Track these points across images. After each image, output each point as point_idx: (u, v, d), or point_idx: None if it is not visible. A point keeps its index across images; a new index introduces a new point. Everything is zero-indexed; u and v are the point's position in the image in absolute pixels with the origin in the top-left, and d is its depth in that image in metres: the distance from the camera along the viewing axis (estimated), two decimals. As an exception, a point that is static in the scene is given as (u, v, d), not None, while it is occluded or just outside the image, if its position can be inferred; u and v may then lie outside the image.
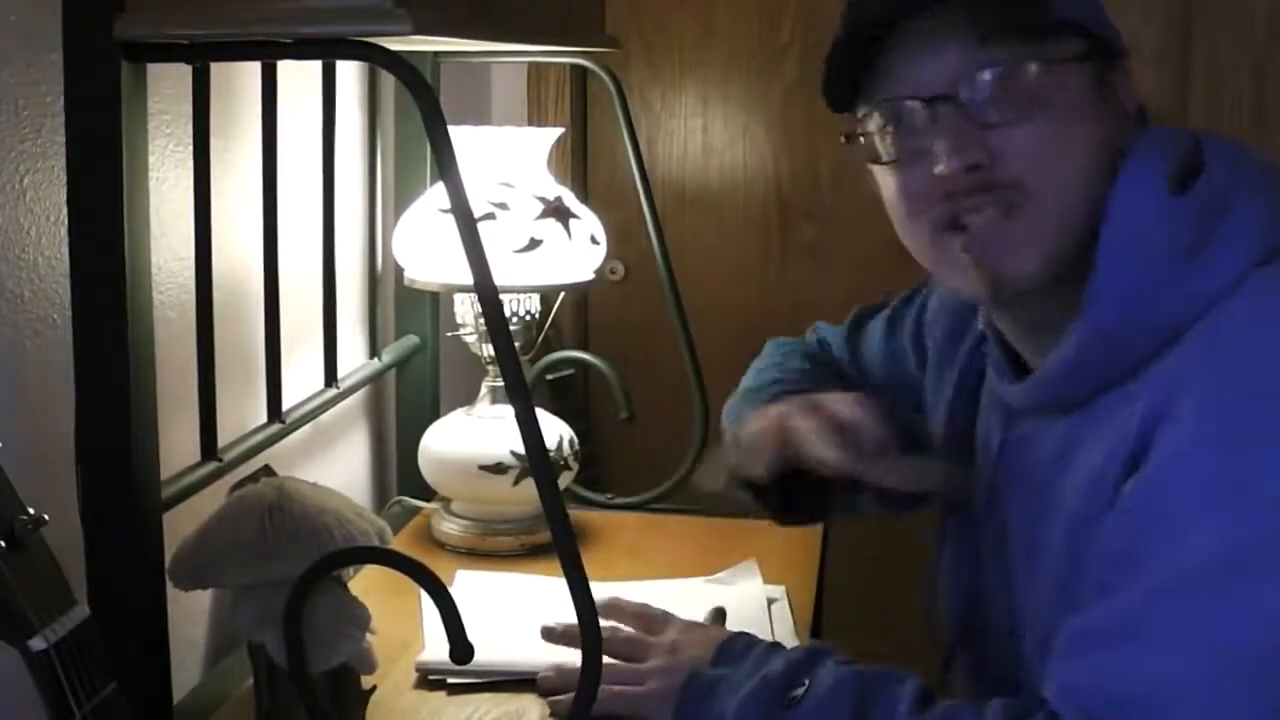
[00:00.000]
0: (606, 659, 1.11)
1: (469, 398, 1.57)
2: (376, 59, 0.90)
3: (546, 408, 1.62)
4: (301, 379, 1.43)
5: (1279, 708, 0.81)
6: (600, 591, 0.93)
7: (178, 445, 1.14)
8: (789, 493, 1.16)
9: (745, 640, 1.12)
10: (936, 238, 0.98)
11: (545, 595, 1.34)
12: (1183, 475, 0.85)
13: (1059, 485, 0.96)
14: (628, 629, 1.20)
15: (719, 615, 1.27)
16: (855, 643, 1.08)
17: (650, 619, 1.21)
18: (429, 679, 1.17)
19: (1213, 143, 0.97)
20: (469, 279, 0.90)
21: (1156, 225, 0.92)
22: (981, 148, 0.94)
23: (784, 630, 1.29)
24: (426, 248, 1.47)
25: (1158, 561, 0.84)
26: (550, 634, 1.19)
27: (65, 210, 0.94)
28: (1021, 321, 1.03)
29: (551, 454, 1.51)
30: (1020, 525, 1.03)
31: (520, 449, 1.45)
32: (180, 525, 1.04)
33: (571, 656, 1.08)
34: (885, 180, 1.01)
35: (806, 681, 1.01)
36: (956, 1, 0.93)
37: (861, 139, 1.00)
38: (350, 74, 1.57)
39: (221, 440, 1.19)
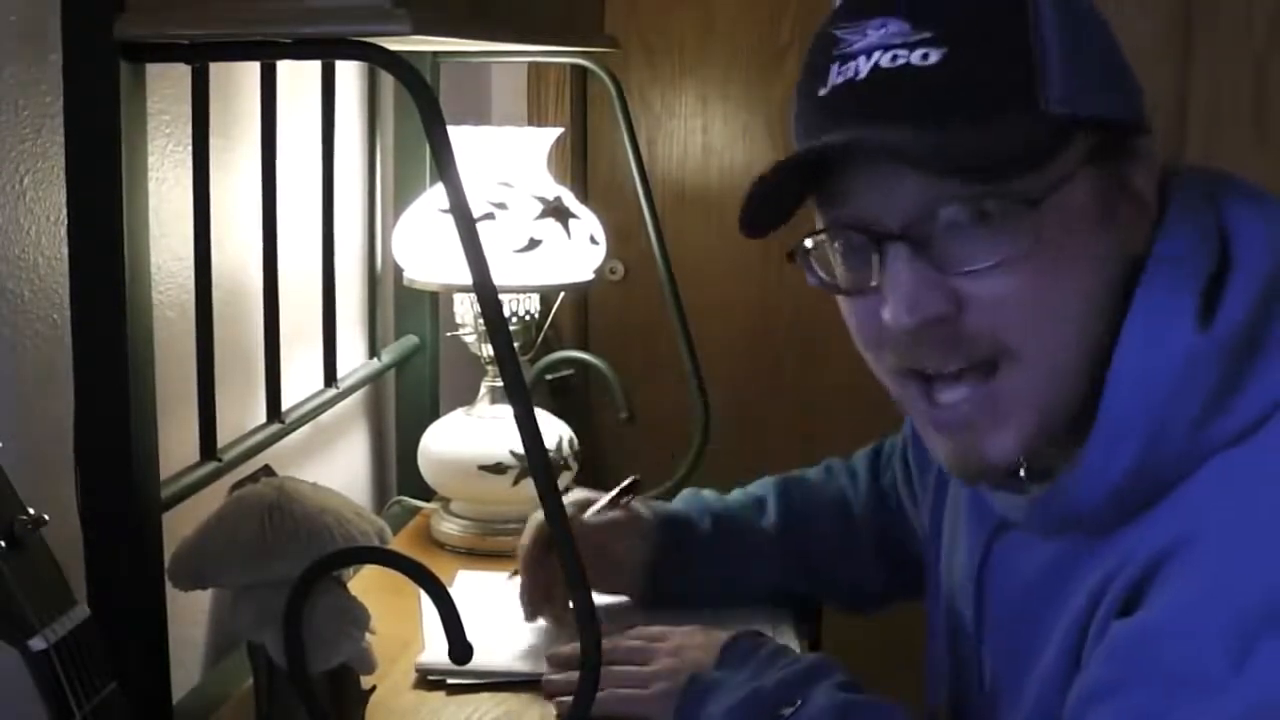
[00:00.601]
0: (613, 666, 1.13)
1: (469, 398, 1.57)
2: (376, 59, 0.90)
3: (546, 408, 1.62)
4: (301, 379, 1.43)
5: None
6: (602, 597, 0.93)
7: (178, 445, 1.14)
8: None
9: (749, 642, 1.11)
10: (900, 383, 0.85)
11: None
12: (1168, 637, 0.73)
13: (1049, 615, 0.85)
14: (631, 639, 1.19)
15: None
16: (855, 642, 1.07)
17: (651, 635, 1.20)
18: (429, 680, 1.17)
19: (1239, 225, 0.80)
20: (468, 279, 0.90)
21: (1179, 374, 0.77)
22: (945, 297, 0.78)
23: (785, 635, 1.28)
24: (426, 248, 1.47)
25: (1137, 713, 0.73)
26: (556, 659, 1.18)
27: (65, 210, 0.94)
28: None
29: (551, 454, 1.51)
30: (1006, 654, 0.93)
31: (520, 449, 1.45)
32: (180, 525, 1.04)
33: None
34: (841, 304, 0.87)
35: (799, 701, 1.00)
36: (922, 139, 0.75)
37: (807, 262, 0.86)
38: (350, 74, 1.57)
39: (221, 440, 1.19)
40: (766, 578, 1.29)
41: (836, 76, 0.79)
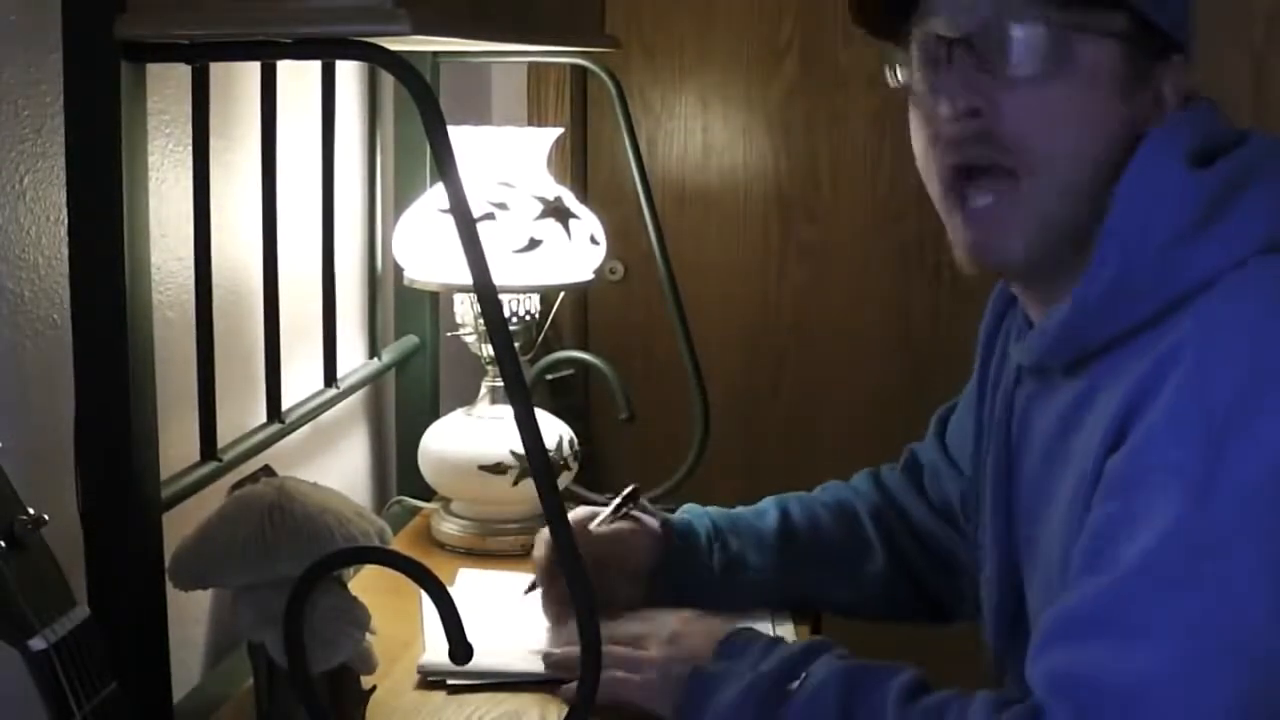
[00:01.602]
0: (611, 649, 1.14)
1: (469, 398, 1.57)
2: (376, 59, 0.90)
3: (546, 408, 1.62)
4: (301, 379, 1.43)
5: (1257, 689, 0.81)
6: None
7: (178, 445, 1.14)
8: None
9: (747, 635, 1.13)
10: (945, 190, 1.00)
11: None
12: (1156, 457, 0.86)
13: (1060, 454, 0.97)
14: (629, 626, 1.20)
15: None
16: (856, 643, 1.07)
17: (646, 619, 1.21)
18: (429, 680, 1.17)
19: (1260, 134, 0.96)
20: (469, 279, 0.90)
21: (1166, 196, 0.91)
22: (983, 96, 0.95)
23: (784, 629, 1.28)
24: (426, 248, 1.47)
25: (1129, 546, 0.85)
26: (551, 660, 1.19)
27: (65, 210, 0.94)
28: (1032, 287, 1.04)
29: (551, 454, 1.51)
30: (1032, 489, 1.03)
31: (520, 449, 1.45)
32: (180, 525, 1.04)
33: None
34: (911, 113, 1.03)
35: (803, 675, 1.02)
36: None
37: (895, 66, 1.02)
38: (350, 74, 1.57)
39: (221, 440, 1.19)
40: (771, 578, 1.29)
41: None
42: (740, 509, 1.35)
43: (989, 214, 0.97)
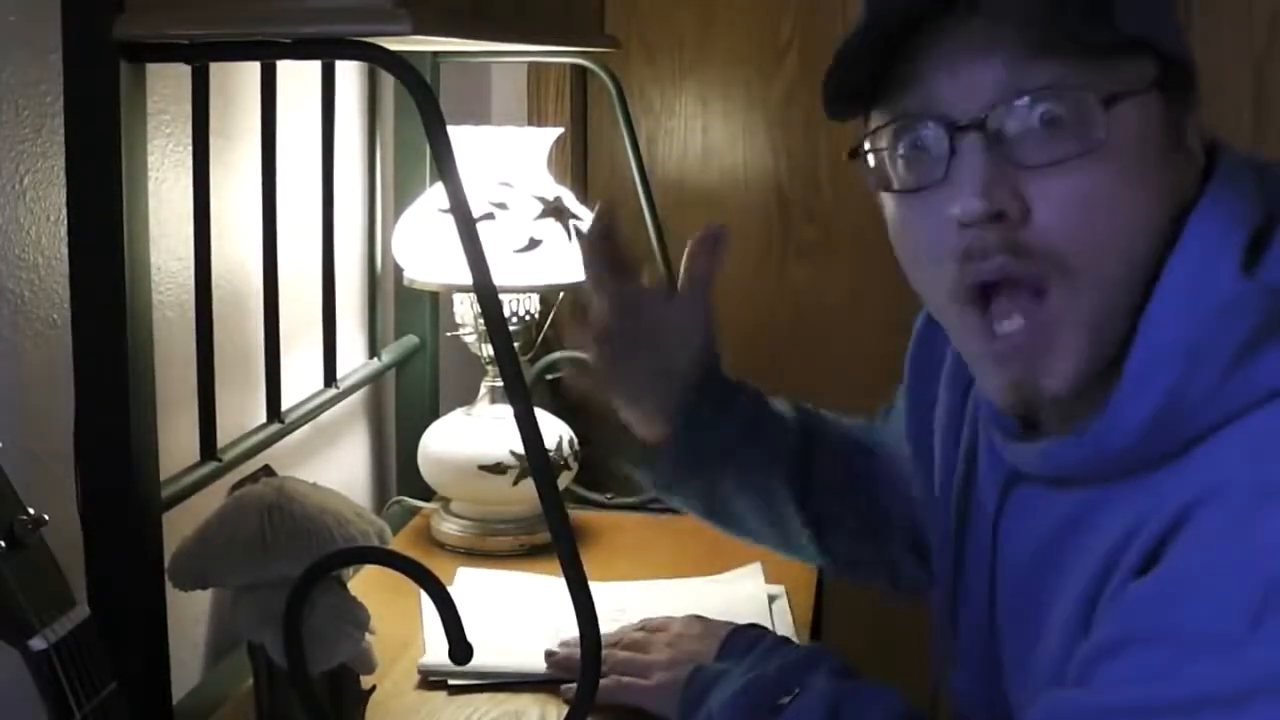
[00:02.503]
0: (615, 651, 1.14)
1: (469, 398, 1.57)
2: (376, 59, 0.90)
3: (546, 408, 1.62)
4: (301, 379, 1.43)
5: None
6: (600, 592, 0.93)
7: (178, 445, 1.14)
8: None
9: (751, 634, 1.12)
10: (959, 310, 0.83)
11: (545, 594, 1.35)
12: (1188, 594, 0.72)
13: (1065, 563, 0.84)
14: (631, 631, 1.21)
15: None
16: (856, 641, 1.08)
17: (651, 626, 1.21)
18: (430, 680, 1.18)
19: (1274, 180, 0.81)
20: (468, 279, 0.90)
21: (1221, 308, 0.76)
22: (1012, 194, 0.77)
23: (784, 628, 1.29)
24: (426, 248, 1.47)
25: (1138, 673, 0.73)
26: (552, 659, 1.19)
27: (65, 210, 0.94)
28: None
29: (551, 454, 1.51)
30: (1017, 602, 0.92)
31: (520, 449, 1.45)
32: (180, 525, 1.04)
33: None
34: (893, 210, 0.85)
35: (796, 689, 1.01)
36: (1001, 4, 0.76)
37: (869, 156, 0.84)
38: (350, 74, 1.57)
39: (221, 440, 1.19)
40: (791, 447, 1.16)
41: None
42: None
43: (1027, 341, 0.80)
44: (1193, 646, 0.71)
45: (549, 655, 1.18)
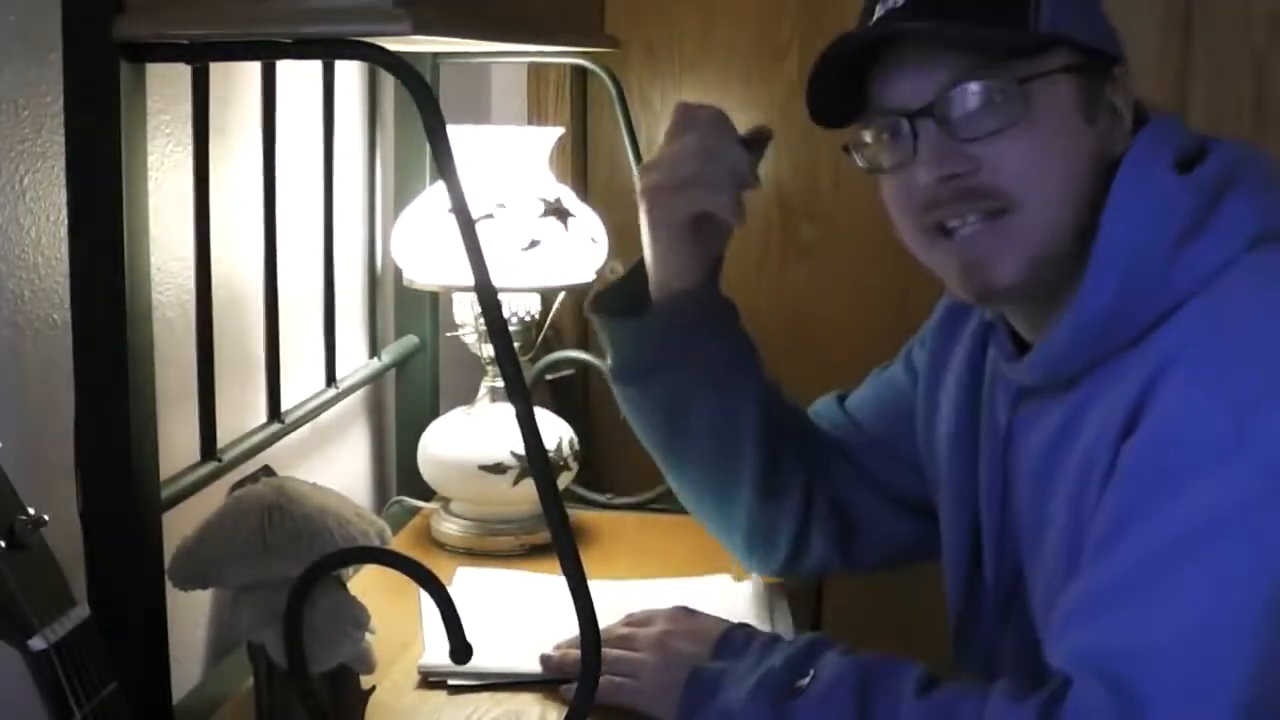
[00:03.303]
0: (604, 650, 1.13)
1: (469, 398, 1.57)
2: (376, 59, 0.90)
3: (546, 408, 1.62)
4: (301, 379, 1.43)
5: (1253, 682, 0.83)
6: (600, 592, 0.93)
7: (178, 445, 1.14)
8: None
9: (745, 632, 1.13)
10: (927, 241, 1.03)
11: (545, 594, 1.35)
12: (1174, 435, 0.88)
13: (1063, 459, 0.98)
14: (619, 628, 1.20)
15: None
16: (856, 641, 1.08)
17: (637, 621, 1.20)
18: (430, 681, 1.17)
19: (1217, 139, 1.00)
20: (469, 279, 0.90)
21: (1158, 204, 0.95)
22: (961, 159, 0.98)
23: (784, 628, 1.29)
24: (426, 248, 1.47)
25: (1154, 520, 0.87)
26: (548, 662, 1.18)
27: (65, 210, 0.94)
28: (1023, 309, 1.06)
29: (551, 454, 1.51)
30: (1029, 504, 1.05)
31: (520, 449, 1.45)
32: (180, 525, 1.04)
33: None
34: (884, 188, 1.05)
35: (811, 671, 1.02)
36: (936, 27, 0.98)
37: (859, 150, 1.05)
38: (350, 74, 1.57)
39: (221, 440, 1.19)
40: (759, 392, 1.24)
41: (881, 9, 1.01)
42: None
43: (979, 239, 0.99)
44: (1192, 475, 0.86)
45: (545, 659, 1.18)
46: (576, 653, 0.98)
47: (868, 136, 1.04)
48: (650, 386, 1.22)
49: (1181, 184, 0.95)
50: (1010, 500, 1.09)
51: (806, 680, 1.01)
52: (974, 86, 0.97)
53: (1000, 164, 0.97)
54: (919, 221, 1.02)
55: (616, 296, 1.24)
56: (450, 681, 1.17)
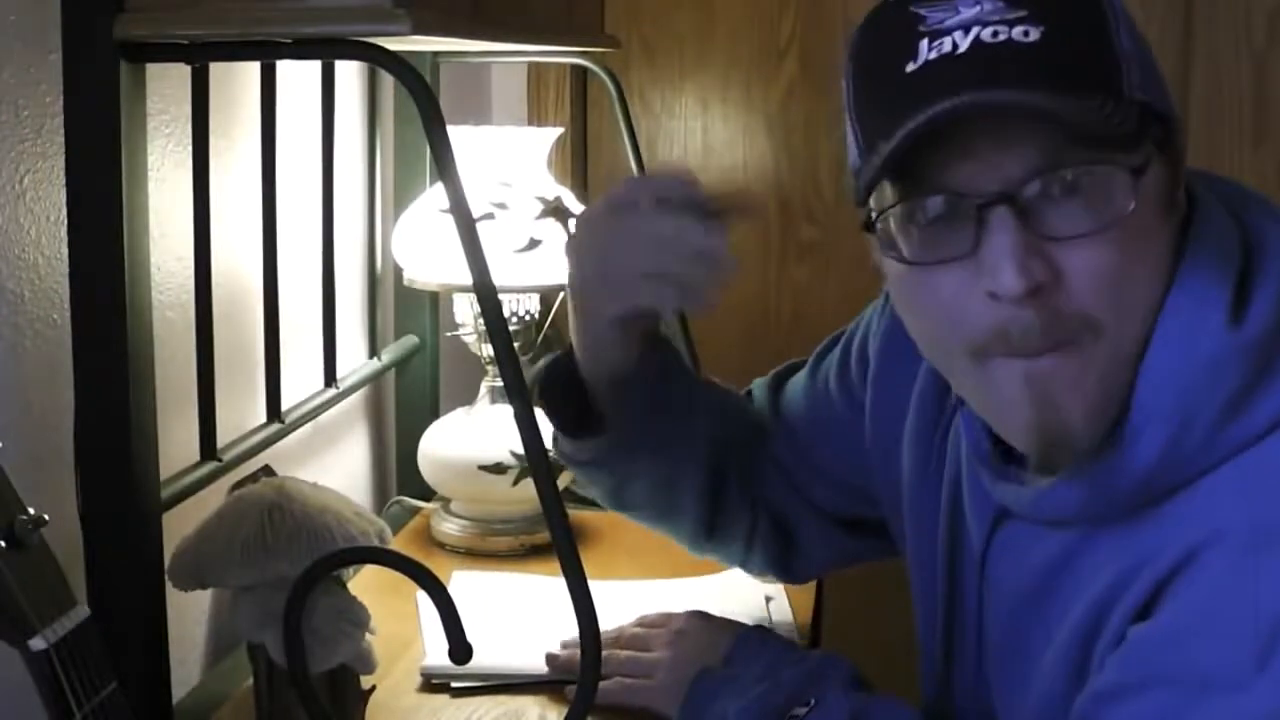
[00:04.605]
0: (616, 651, 1.14)
1: (469, 398, 1.57)
2: (376, 59, 0.90)
3: (546, 408, 1.61)
4: (301, 379, 1.43)
5: None
6: (600, 592, 0.93)
7: (178, 445, 1.14)
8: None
9: (758, 639, 1.12)
10: (978, 363, 0.82)
11: (545, 595, 1.35)
12: (1197, 636, 0.74)
13: (1056, 602, 0.86)
14: (632, 627, 1.20)
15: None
16: (855, 641, 1.08)
17: (651, 622, 1.21)
18: (433, 682, 1.17)
19: (1262, 231, 0.83)
20: (468, 279, 0.90)
21: (1207, 375, 0.78)
22: (1045, 266, 0.77)
23: (782, 628, 1.29)
24: (426, 248, 1.47)
25: (1154, 714, 0.75)
26: (554, 662, 1.18)
27: (65, 210, 0.94)
28: None
29: (551, 454, 1.50)
30: (1006, 637, 0.92)
31: (520, 449, 1.45)
32: (180, 525, 1.04)
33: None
34: (905, 277, 0.85)
35: (812, 700, 1.00)
36: (1048, 100, 0.76)
37: (885, 225, 0.83)
38: (350, 74, 1.57)
39: (221, 440, 1.19)
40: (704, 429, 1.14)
41: (929, 52, 0.78)
42: None
43: (1057, 371, 0.80)
44: (1200, 689, 0.72)
45: (551, 658, 1.18)
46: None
47: (903, 214, 0.81)
48: (591, 471, 1.13)
49: (1235, 345, 0.78)
50: (984, 629, 0.96)
51: (804, 710, 0.99)
52: (1075, 172, 0.77)
53: (1093, 279, 0.78)
54: (973, 341, 0.81)
55: (553, 377, 1.10)
56: (454, 684, 1.17)
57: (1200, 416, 0.78)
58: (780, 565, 1.21)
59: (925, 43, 0.78)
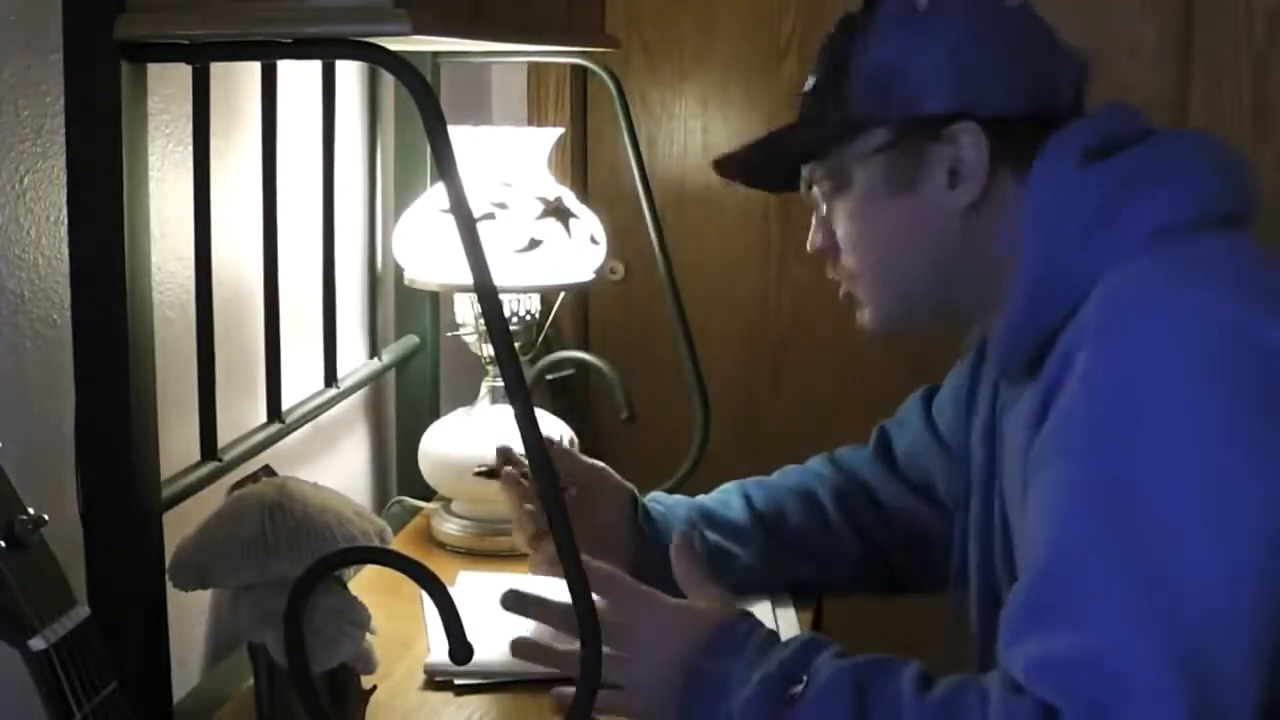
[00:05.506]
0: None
1: (469, 398, 1.57)
2: (376, 59, 0.90)
3: (546, 408, 1.62)
4: (301, 379, 1.43)
5: (1209, 638, 0.85)
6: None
7: (178, 445, 1.14)
8: None
9: (744, 628, 1.05)
10: None
11: (546, 595, 1.34)
12: (1070, 435, 0.92)
13: (1024, 449, 1.01)
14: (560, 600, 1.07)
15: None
16: (856, 641, 1.07)
17: (628, 603, 1.10)
18: (436, 681, 1.17)
19: (1172, 132, 1.04)
20: (468, 279, 0.90)
21: (1064, 195, 1.00)
22: (827, 235, 1.15)
23: (785, 628, 1.28)
24: (426, 248, 1.47)
25: (1056, 524, 0.91)
26: (519, 648, 1.12)
27: (65, 210, 0.94)
28: (972, 322, 1.16)
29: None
30: (1012, 483, 1.07)
31: (520, 449, 1.45)
32: (180, 525, 1.04)
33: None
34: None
35: (805, 677, 1.00)
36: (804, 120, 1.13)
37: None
38: (350, 74, 1.57)
39: (221, 440, 1.19)
40: (753, 564, 1.32)
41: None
42: (702, 498, 1.36)
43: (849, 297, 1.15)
44: (1058, 455, 0.93)
45: (515, 645, 1.11)
46: (549, 637, 1.09)
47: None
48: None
49: (1090, 173, 0.99)
50: (999, 481, 1.12)
51: (800, 687, 0.99)
52: (816, 169, 1.13)
53: (841, 241, 1.13)
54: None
55: None
56: (458, 681, 1.17)
57: (1061, 234, 0.99)
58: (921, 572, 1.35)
59: None
